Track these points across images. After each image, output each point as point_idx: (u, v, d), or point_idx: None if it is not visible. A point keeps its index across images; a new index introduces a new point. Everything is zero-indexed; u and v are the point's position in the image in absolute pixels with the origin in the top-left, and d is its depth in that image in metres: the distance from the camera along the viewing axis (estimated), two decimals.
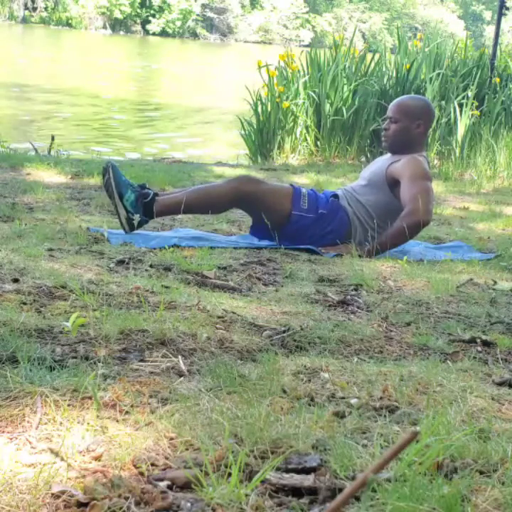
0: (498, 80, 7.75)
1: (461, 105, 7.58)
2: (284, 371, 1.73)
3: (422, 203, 3.34)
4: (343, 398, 1.60)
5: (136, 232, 3.45)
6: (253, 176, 3.58)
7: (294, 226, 3.44)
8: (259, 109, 7.40)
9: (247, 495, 1.14)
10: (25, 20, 43.70)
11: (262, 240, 3.52)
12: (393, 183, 3.48)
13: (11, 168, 5.25)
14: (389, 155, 3.65)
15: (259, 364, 1.78)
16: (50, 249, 2.87)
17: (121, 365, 1.69)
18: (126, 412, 1.41)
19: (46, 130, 8.69)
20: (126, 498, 1.13)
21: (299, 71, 7.62)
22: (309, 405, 1.54)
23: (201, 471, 1.18)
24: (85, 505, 1.11)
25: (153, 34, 46.62)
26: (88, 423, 1.35)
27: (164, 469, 1.22)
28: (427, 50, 7.97)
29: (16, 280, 2.30)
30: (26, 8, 44.60)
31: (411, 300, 2.61)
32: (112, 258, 2.84)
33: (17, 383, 1.48)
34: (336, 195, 3.56)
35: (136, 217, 3.36)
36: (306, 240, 3.45)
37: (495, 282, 2.96)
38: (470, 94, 7.56)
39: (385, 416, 1.49)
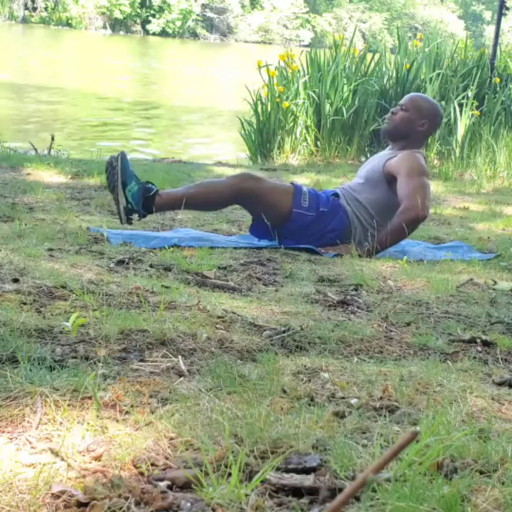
0: (498, 80, 7.76)
1: (461, 105, 7.58)
2: (284, 371, 1.73)
3: (419, 198, 3.35)
4: (343, 398, 1.60)
5: (135, 231, 3.45)
6: (254, 174, 3.59)
7: (295, 224, 3.44)
8: (259, 109, 7.40)
9: (247, 495, 1.14)
10: (25, 20, 43.68)
11: (262, 239, 3.52)
12: (391, 180, 3.48)
13: (11, 168, 5.25)
14: (386, 151, 3.65)
15: (259, 364, 1.78)
16: (50, 249, 2.87)
17: (121, 365, 1.69)
18: (126, 412, 1.41)
19: (46, 130, 8.69)
20: (126, 498, 1.13)
21: (299, 71, 7.62)
22: (309, 405, 1.54)
23: (201, 471, 1.18)
24: (85, 505, 1.11)
25: (153, 34, 46.60)
26: (88, 423, 1.35)
27: (164, 469, 1.22)
28: (427, 50, 7.97)
29: (16, 280, 2.30)
30: (26, 8, 44.56)
31: (411, 300, 2.61)
32: (112, 258, 2.84)
33: (17, 383, 1.48)
34: (336, 194, 3.56)
35: (135, 209, 3.35)
36: (306, 238, 3.45)
37: (495, 282, 2.96)
38: (470, 94, 7.56)
39: (385, 416, 1.49)
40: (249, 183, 3.41)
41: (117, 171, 3.30)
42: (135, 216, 3.38)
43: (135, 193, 3.32)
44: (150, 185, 3.39)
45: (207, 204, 3.53)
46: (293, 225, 3.44)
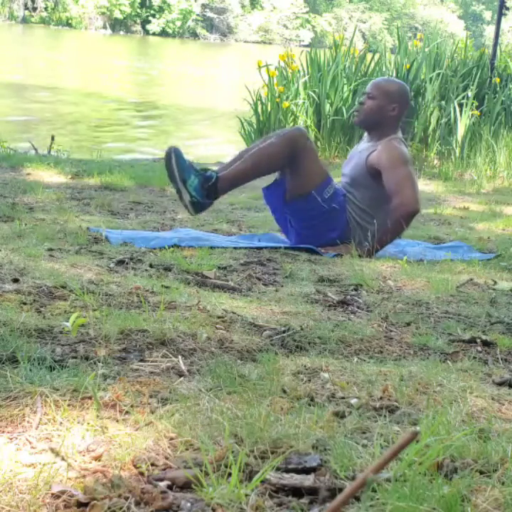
0: (498, 80, 7.76)
1: (461, 105, 7.58)
2: (284, 371, 1.73)
3: (408, 191, 3.35)
4: (343, 398, 1.60)
5: (135, 231, 3.46)
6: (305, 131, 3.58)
7: (307, 205, 3.43)
8: (259, 109, 7.40)
9: (247, 495, 1.14)
10: (25, 20, 43.67)
11: (268, 203, 3.57)
12: (375, 173, 3.46)
13: (11, 168, 5.25)
14: (364, 144, 3.62)
15: (259, 364, 1.78)
16: (50, 249, 2.87)
17: (121, 365, 1.69)
18: (126, 412, 1.41)
19: (47, 130, 8.69)
20: (126, 498, 1.13)
21: (299, 71, 7.63)
22: (309, 405, 1.54)
23: (201, 471, 1.18)
24: (85, 505, 1.11)
25: (154, 34, 46.60)
26: (88, 423, 1.35)
27: (164, 469, 1.22)
28: (427, 50, 7.97)
29: (16, 280, 2.30)
30: (26, 8, 44.56)
31: (411, 300, 2.61)
32: (112, 258, 2.84)
33: (17, 383, 1.48)
34: (345, 195, 3.55)
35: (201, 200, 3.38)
36: (309, 224, 3.44)
37: (495, 282, 2.96)
38: (470, 94, 7.56)
39: (385, 416, 1.49)
40: (303, 141, 3.39)
41: (174, 169, 3.32)
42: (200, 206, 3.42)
43: (196, 186, 3.35)
44: (209, 173, 3.40)
45: (269, 169, 3.50)
46: (304, 205, 3.43)
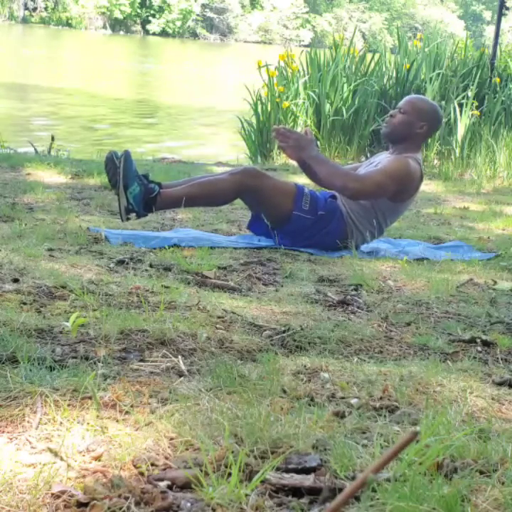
0: (498, 80, 7.75)
1: (461, 105, 7.57)
2: (284, 371, 1.73)
3: (368, 185, 3.37)
4: (343, 398, 1.60)
5: (135, 231, 3.46)
6: (258, 170, 3.57)
7: (293, 226, 3.43)
8: (259, 109, 7.40)
9: (247, 495, 1.14)
10: (25, 20, 43.64)
11: (259, 235, 3.53)
12: None
13: (11, 168, 5.25)
14: (384, 155, 3.63)
15: (259, 364, 1.78)
16: (50, 249, 2.87)
17: (121, 365, 1.69)
18: (126, 412, 1.41)
19: (47, 130, 8.69)
20: (126, 498, 1.13)
21: (298, 71, 7.62)
22: (309, 405, 1.54)
23: (201, 471, 1.18)
24: (85, 505, 1.11)
25: (154, 34, 46.58)
26: (88, 423, 1.35)
27: (164, 469, 1.22)
28: (426, 50, 7.97)
29: (16, 280, 2.30)
30: (26, 8, 44.54)
31: (411, 300, 2.61)
32: (112, 258, 2.84)
33: (17, 383, 1.48)
34: (333, 196, 3.55)
35: (136, 211, 3.35)
36: (303, 240, 3.44)
37: (495, 282, 2.96)
38: (470, 94, 7.56)
39: (385, 416, 1.49)
40: (252, 181, 3.39)
41: (119, 173, 3.29)
42: (134, 215, 3.39)
43: (137, 195, 3.32)
44: (152, 185, 3.37)
45: (209, 203, 3.56)
46: (291, 227, 3.44)
